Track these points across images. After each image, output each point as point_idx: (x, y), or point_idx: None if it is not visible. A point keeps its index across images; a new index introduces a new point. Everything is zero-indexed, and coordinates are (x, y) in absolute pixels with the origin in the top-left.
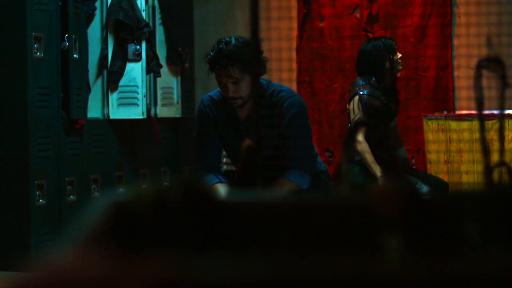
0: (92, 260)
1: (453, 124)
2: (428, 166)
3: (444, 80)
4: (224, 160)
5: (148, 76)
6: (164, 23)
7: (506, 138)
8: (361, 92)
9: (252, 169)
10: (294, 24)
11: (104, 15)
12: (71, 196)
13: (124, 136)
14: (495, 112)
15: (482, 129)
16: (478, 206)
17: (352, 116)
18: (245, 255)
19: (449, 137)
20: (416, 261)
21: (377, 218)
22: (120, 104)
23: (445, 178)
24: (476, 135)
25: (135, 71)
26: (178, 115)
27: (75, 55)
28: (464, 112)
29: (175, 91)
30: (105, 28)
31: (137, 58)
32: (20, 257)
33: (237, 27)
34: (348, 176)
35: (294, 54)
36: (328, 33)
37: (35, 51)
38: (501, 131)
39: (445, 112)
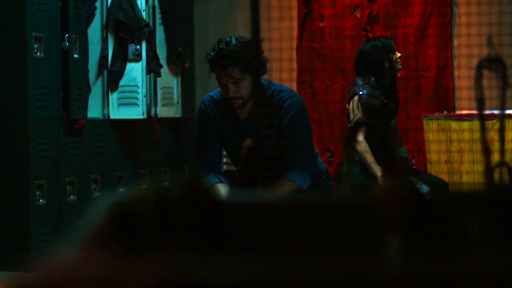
0: (93, 260)
1: (454, 124)
2: (429, 166)
3: (444, 80)
4: (224, 160)
5: (148, 76)
6: (164, 23)
7: (506, 138)
8: (361, 92)
9: (253, 169)
10: (295, 24)
11: (104, 15)
12: (71, 196)
13: (124, 136)
14: (496, 112)
15: (483, 129)
16: (479, 206)
17: (351, 116)
18: (245, 255)
19: (450, 137)
20: (416, 261)
21: (377, 218)
22: (120, 104)
23: (445, 178)
24: (476, 135)
25: (135, 71)
26: (178, 115)
27: (75, 55)
28: (464, 112)
29: (175, 91)
30: (105, 28)
31: (137, 58)
32: (20, 257)
33: (237, 27)
34: (348, 176)
35: (294, 54)
36: (328, 33)
37: (35, 51)
38: (501, 131)
39: (445, 112)
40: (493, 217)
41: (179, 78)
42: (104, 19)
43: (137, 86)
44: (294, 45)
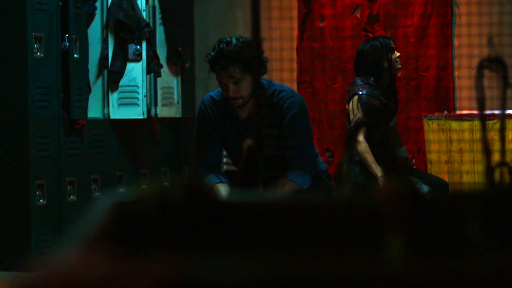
0: (94, 260)
1: (454, 124)
2: (429, 166)
3: (444, 80)
4: (225, 160)
5: (148, 76)
6: (164, 23)
7: (507, 138)
8: (360, 92)
9: (253, 169)
10: (295, 24)
11: (105, 15)
12: (72, 196)
13: (125, 136)
14: (496, 112)
15: (484, 129)
16: (479, 206)
17: (351, 116)
18: (245, 255)
19: (450, 137)
20: (416, 261)
21: (378, 218)
22: (120, 104)
23: (445, 178)
24: (477, 135)
25: (135, 71)
26: (178, 115)
27: (75, 55)
28: (464, 112)
29: (175, 91)
30: (105, 28)
31: (137, 58)
32: (20, 257)
33: (238, 27)
34: (349, 176)
35: (294, 54)
36: (328, 33)
37: (35, 51)
38: (502, 131)
39: (445, 112)
40: (494, 217)
41: (179, 78)
42: (104, 19)
43: (137, 86)
44: (294, 45)
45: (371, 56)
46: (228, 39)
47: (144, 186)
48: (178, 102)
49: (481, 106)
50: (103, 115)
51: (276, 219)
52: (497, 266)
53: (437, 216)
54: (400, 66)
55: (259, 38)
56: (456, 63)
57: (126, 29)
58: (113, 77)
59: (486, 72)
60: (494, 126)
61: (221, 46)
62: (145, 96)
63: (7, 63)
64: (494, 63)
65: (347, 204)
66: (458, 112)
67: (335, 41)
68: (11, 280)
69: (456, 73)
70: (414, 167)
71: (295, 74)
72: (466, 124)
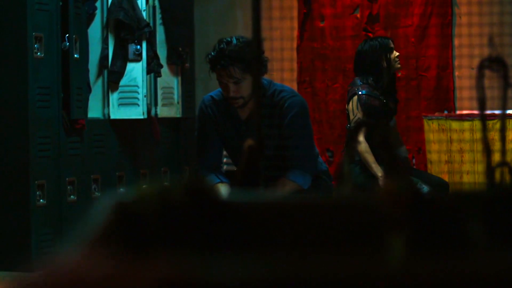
0: (95, 260)
1: (454, 124)
2: (429, 166)
3: (444, 80)
4: (225, 160)
5: (148, 76)
6: (164, 23)
7: (507, 138)
8: (360, 92)
9: (254, 169)
10: (295, 24)
11: (105, 15)
12: (72, 196)
13: (125, 136)
14: (496, 112)
15: (484, 129)
16: (480, 206)
17: (351, 117)
18: (246, 255)
19: (450, 137)
20: (417, 261)
21: (378, 218)
22: (120, 104)
23: (446, 178)
24: (477, 135)
25: (135, 71)
26: (178, 115)
27: (75, 55)
28: (464, 112)
29: (175, 91)
30: (105, 28)
31: (137, 58)
32: (20, 257)
33: (238, 27)
34: (349, 176)
35: (294, 54)
36: (328, 33)
37: (35, 51)
38: (502, 131)
39: (445, 112)
40: (494, 218)
41: (179, 78)
42: (105, 19)
43: (137, 86)
44: (295, 45)
45: (369, 56)
46: (229, 39)
47: (144, 186)
48: (178, 102)
49: (482, 106)
50: (103, 115)
51: (276, 219)
52: (497, 266)
53: (438, 216)
54: (399, 65)
55: (260, 38)
56: (456, 63)
57: (126, 29)
58: (113, 77)
59: (487, 72)
60: (494, 126)
61: (222, 46)
62: (145, 96)
63: (7, 63)
64: (494, 63)
65: (348, 204)
66: (458, 112)
67: (335, 41)
68: (11, 280)
69: (456, 73)
70: (414, 167)
71: (295, 74)
72: (466, 124)
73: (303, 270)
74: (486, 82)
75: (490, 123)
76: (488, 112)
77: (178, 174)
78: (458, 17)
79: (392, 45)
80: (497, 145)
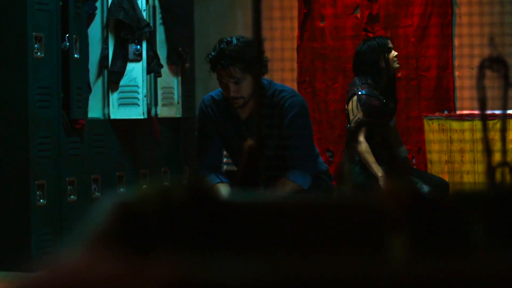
0: (97, 260)
1: (454, 124)
2: (429, 166)
3: (444, 80)
4: (225, 160)
5: (148, 76)
6: (164, 23)
7: (507, 138)
8: (359, 92)
9: (254, 169)
10: (295, 24)
11: (105, 15)
12: (72, 196)
13: (125, 136)
14: (497, 112)
15: (485, 129)
16: (480, 207)
17: (351, 117)
18: (246, 255)
19: (450, 137)
20: (417, 262)
21: (379, 218)
22: (120, 104)
23: (446, 178)
24: (477, 135)
25: (135, 71)
26: (178, 115)
27: (75, 55)
28: (464, 112)
29: (175, 91)
30: (105, 28)
31: (137, 58)
32: (20, 257)
33: (238, 27)
34: (350, 176)
35: (294, 54)
36: (328, 33)
37: (35, 51)
38: (503, 131)
39: (445, 112)
40: (495, 218)
41: (180, 78)
42: (105, 19)
43: (137, 86)
44: (295, 45)
45: (368, 56)
46: (229, 39)
47: (144, 186)
48: (178, 102)
49: (483, 106)
50: (103, 115)
51: (276, 219)
52: (498, 266)
53: (438, 216)
54: (397, 65)
55: (260, 38)
56: (456, 63)
57: (127, 29)
58: (113, 77)
59: (488, 72)
60: (494, 126)
61: (222, 46)
62: (145, 96)
63: (7, 63)
64: (495, 63)
65: (348, 204)
66: (458, 112)
67: (336, 41)
68: (11, 280)
69: (456, 73)
70: (414, 167)
71: (295, 74)
72: (466, 124)
73: (303, 270)
74: (487, 82)
75: (490, 123)
76: (489, 112)
77: (178, 174)
78: (458, 17)
79: (390, 45)
80: (497, 145)
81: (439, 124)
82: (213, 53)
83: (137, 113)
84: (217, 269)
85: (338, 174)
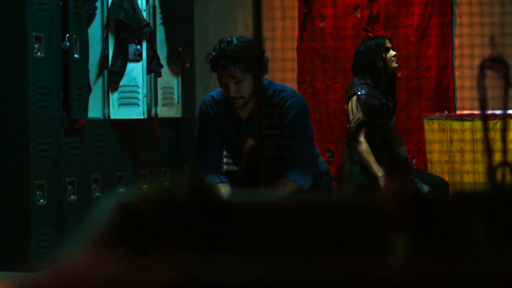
0: (98, 261)
1: (454, 124)
2: (429, 166)
3: (445, 80)
4: (225, 160)
5: (148, 76)
6: (164, 23)
7: (508, 138)
8: (359, 92)
9: (254, 169)
10: (295, 24)
11: (105, 15)
12: (72, 196)
13: (125, 136)
14: (497, 112)
15: (485, 129)
16: (481, 207)
17: (351, 117)
18: (247, 255)
19: (450, 137)
20: (418, 262)
21: (379, 218)
22: (120, 104)
23: (446, 178)
24: (477, 135)
25: (135, 71)
26: (178, 115)
27: (75, 55)
28: (465, 112)
29: (175, 91)
30: (105, 28)
31: (137, 58)
32: (20, 257)
33: (238, 27)
34: (350, 176)
35: (295, 54)
36: (328, 33)
37: (35, 51)
38: (503, 131)
39: (445, 112)
40: (495, 218)
41: (180, 78)
42: (105, 19)
43: (137, 86)
44: (295, 45)
45: (366, 56)
46: (229, 39)
47: (145, 186)
48: (178, 102)
49: (483, 106)
50: (103, 115)
51: (277, 219)
52: (499, 266)
53: (438, 216)
54: (396, 65)
55: (261, 38)
56: (456, 63)
57: (127, 29)
58: (113, 77)
59: (488, 72)
60: (495, 126)
61: (222, 46)
62: (145, 96)
63: (7, 63)
64: (496, 63)
65: (348, 204)
66: (459, 112)
67: (336, 41)
68: (11, 280)
69: (456, 73)
70: (415, 167)
71: (295, 74)
72: (467, 124)
73: (303, 270)
74: (487, 82)
75: (491, 123)
76: (489, 112)
77: (178, 174)
78: (458, 17)
79: (388, 45)
80: (498, 145)
81: (439, 124)
82: (213, 53)
83: (137, 113)
84: (217, 269)
85: (338, 174)
